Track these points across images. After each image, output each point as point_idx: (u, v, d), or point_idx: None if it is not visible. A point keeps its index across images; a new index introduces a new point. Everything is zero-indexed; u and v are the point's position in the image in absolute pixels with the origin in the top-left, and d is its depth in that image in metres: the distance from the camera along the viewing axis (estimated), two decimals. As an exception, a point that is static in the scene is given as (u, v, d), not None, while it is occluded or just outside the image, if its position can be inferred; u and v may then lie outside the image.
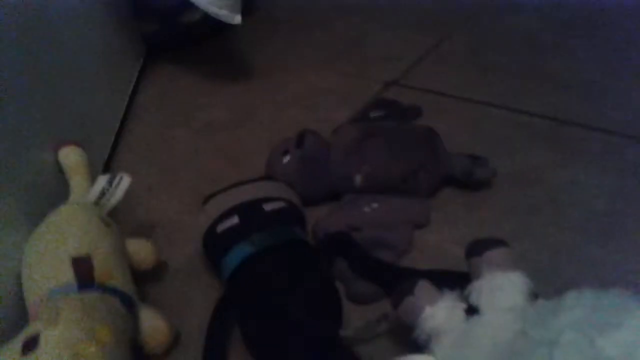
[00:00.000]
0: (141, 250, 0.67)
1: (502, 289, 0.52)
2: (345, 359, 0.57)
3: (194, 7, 1.05)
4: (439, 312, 0.53)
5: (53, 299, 0.53)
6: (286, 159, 0.77)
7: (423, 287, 0.55)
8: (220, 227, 0.65)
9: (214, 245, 0.66)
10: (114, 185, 0.67)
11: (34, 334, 0.50)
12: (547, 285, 0.56)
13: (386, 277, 0.65)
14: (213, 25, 1.15)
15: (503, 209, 0.77)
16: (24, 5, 0.72)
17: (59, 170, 0.72)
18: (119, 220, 0.69)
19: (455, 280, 0.56)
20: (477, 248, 0.56)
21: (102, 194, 0.66)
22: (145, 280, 0.69)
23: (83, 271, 0.57)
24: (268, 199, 0.67)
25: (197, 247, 0.70)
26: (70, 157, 0.71)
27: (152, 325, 0.61)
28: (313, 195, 0.77)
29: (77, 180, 0.70)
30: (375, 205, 0.76)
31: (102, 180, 0.67)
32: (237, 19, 1.05)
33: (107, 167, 0.92)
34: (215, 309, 0.63)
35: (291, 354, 0.57)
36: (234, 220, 0.65)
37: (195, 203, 0.75)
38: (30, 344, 0.49)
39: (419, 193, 0.77)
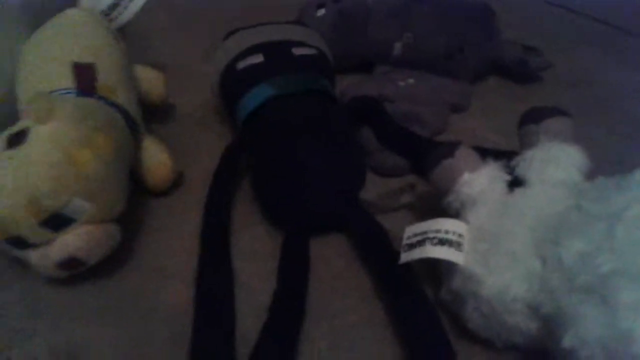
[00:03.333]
0: (150, 78, 0.61)
1: (557, 160, 0.45)
2: (363, 221, 0.52)
3: None
4: (479, 179, 0.46)
5: (47, 95, 0.46)
6: (321, 12, 0.69)
7: (465, 152, 0.48)
8: (242, 64, 0.58)
9: (233, 82, 0.58)
10: (127, -1, 0.59)
11: (22, 129, 0.44)
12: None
13: (417, 149, 0.59)
14: None
15: (550, 104, 0.70)
16: None
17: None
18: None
19: (498, 156, 0.50)
20: (534, 115, 0.49)
21: (114, 5, 0.59)
22: (151, 121, 0.63)
23: (85, 78, 0.51)
24: (298, 43, 0.59)
25: (210, 92, 0.64)
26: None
27: (156, 157, 0.55)
28: (344, 58, 0.70)
29: (88, -11, 0.62)
30: (411, 80, 0.68)
31: (115, -10, 0.59)
32: None
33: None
34: (226, 151, 0.57)
35: (303, 207, 0.52)
36: (259, 58, 0.57)
37: (209, 50, 0.68)
38: (18, 138, 0.43)
39: (462, 74, 0.70)
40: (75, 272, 0.46)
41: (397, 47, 0.68)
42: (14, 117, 0.52)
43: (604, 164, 0.53)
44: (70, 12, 0.56)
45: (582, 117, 0.68)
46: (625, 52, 0.82)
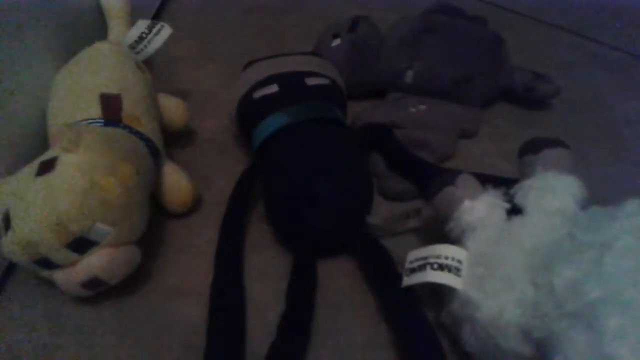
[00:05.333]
0: (173, 106, 0.64)
1: (553, 190, 0.47)
2: (368, 244, 0.54)
3: None
4: (479, 206, 0.49)
5: (75, 125, 0.50)
6: (336, 42, 0.72)
7: (465, 180, 0.50)
8: (258, 94, 0.61)
9: (249, 111, 0.62)
10: (153, 32, 0.63)
11: (51, 158, 0.47)
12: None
13: (423, 175, 0.61)
14: None
15: (559, 133, 0.71)
16: None
17: (99, 11, 0.68)
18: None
19: (499, 183, 0.52)
20: (533, 145, 0.51)
21: (140, 38, 0.63)
22: (173, 145, 0.67)
23: (111, 108, 0.54)
24: (311, 73, 0.62)
25: (229, 119, 0.67)
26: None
27: (176, 182, 0.58)
28: (359, 85, 0.72)
29: (115, 23, 0.66)
30: (422, 107, 0.71)
31: (141, 25, 0.63)
32: None
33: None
34: (241, 176, 0.60)
35: (311, 229, 0.54)
36: (273, 88, 0.60)
37: (230, 79, 0.71)
38: (46, 166, 0.47)
39: (472, 101, 0.72)
40: (97, 291, 0.49)
41: (409, 75, 0.71)
42: (45, 143, 0.56)
43: (613, 190, 0.54)
44: (99, 46, 0.60)
45: (591, 143, 0.71)
46: (637, 77, 0.83)
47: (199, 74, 0.81)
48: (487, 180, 0.52)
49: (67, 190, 0.45)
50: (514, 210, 0.49)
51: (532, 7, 0.97)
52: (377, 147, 0.64)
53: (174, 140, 0.67)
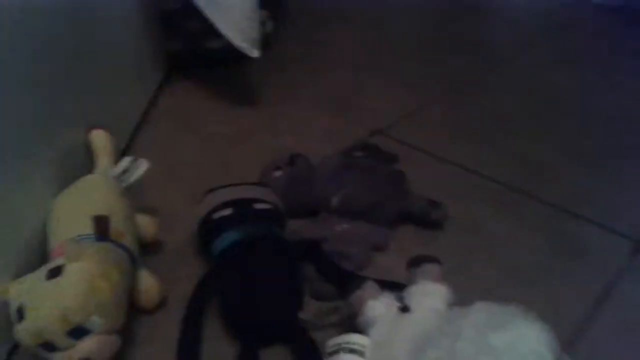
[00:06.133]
0: (146, 223, 0.81)
1: (430, 294, 0.66)
2: (300, 334, 0.71)
3: (219, 35, 1.21)
4: (378, 305, 0.67)
5: (77, 241, 0.66)
6: (278, 173, 0.92)
7: (369, 285, 0.69)
8: (216, 215, 0.79)
9: (209, 229, 0.79)
10: (134, 166, 0.81)
11: (59, 265, 0.63)
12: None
13: (342, 280, 0.79)
14: (233, 54, 1.24)
15: (448, 247, 0.91)
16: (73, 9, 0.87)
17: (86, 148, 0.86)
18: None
19: (395, 287, 0.71)
20: (416, 261, 0.71)
21: (124, 171, 0.80)
22: (144, 254, 0.81)
23: (102, 227, 0.70)
24: (258, 200, 0.81)
25: (190, 233, 0.84)
26: (100, 139, 0.85)
27: (147, 283, 0.74)
28: (296, 208, 0.91)
29: (102, 158, 0.83)
30: (345, 225, 0.90)
31: (125, 161, 0.81)
32: (255, 53, 1.21)
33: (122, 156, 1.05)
34: (199, 281, 0.76)
35: (257, 320, 0.71)
36: (228, 211, 0.79)
37: (191, 199, 0.88)
38: (55, 272, 0.62)
39: (383, 221, 0.92)
40: (87, 370, 0.63)
41: (335, 200, 0.90)
42: (43, 257, 0.71)
43: (488, 297, 0.72)
44: (90, 177, 0.78)
45: (472, 259, 0.90)
46: (508, 205, 1.04)
47: (165, 194, 0.98)
48: (386, 285, 0.70)
49: (73, 291, 0.61)
50: (404, 309, 0.67)
51: (434, 147, 1.21)
52: (309, 257, 0.82)
53: (145, 250, 0.82)
